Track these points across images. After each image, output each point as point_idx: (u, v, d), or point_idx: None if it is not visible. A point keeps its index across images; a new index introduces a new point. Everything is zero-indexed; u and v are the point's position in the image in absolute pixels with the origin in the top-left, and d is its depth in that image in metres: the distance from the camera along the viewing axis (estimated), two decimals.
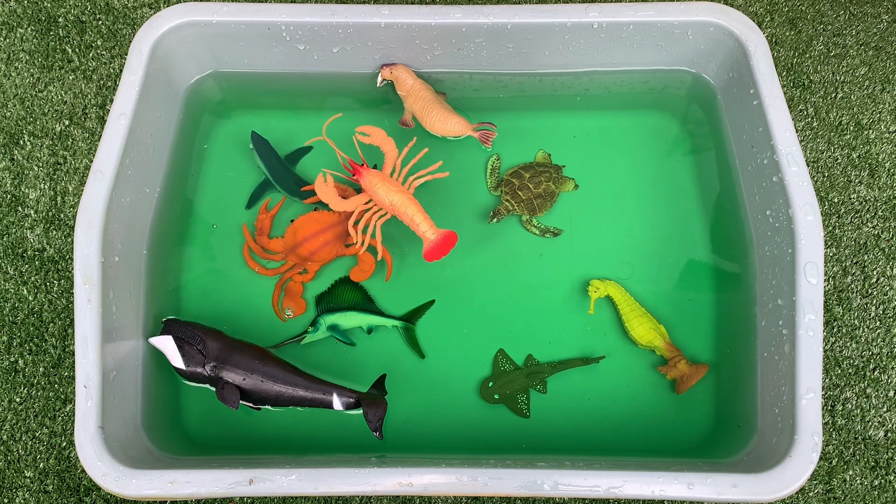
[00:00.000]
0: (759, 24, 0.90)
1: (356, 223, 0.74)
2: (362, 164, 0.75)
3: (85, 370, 0.62)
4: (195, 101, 0.83)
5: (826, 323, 0.78)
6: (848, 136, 0.86)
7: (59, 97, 0.85)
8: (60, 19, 0.89)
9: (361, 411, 0.67)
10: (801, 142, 0.70)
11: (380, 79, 0.82)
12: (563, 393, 0.72)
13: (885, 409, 0.75)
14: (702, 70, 0.83)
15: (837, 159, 0.84)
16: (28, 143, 0.83)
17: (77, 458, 0.61)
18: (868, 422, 0.75)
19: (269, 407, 0.69)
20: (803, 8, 0.92)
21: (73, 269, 0.64)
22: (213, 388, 0.68)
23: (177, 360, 0.68)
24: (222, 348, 0.68)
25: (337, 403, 0.67)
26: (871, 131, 0.86)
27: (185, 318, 0.73)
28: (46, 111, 0.84)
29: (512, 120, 0.83)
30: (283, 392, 0.67)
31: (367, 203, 0.75)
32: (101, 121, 0.84)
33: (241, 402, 0.68)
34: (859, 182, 0.84)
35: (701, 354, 0.73)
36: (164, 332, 0.69)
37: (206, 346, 0.68)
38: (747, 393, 0.69)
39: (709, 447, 0.70)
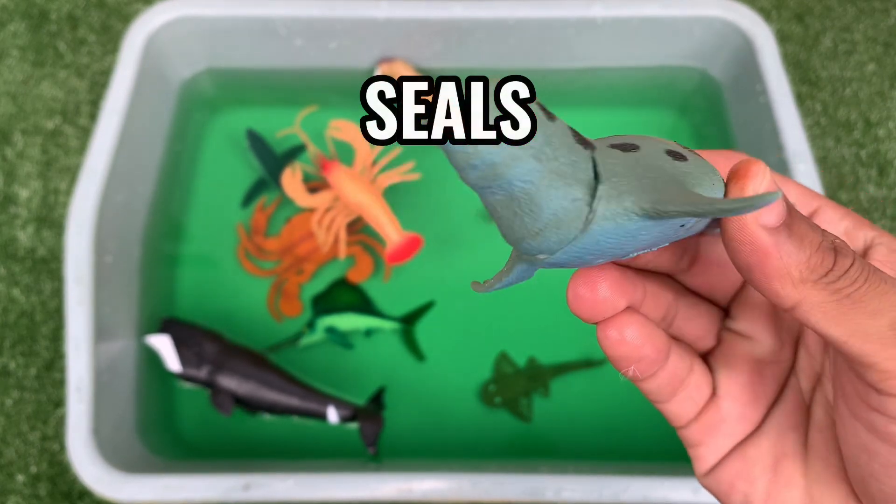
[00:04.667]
0: (766, 20, 0.88)
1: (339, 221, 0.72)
2: (332, 160, 0.72)
3: (77, 373, 0.60)
4: (189, 98, 0.81)
5: None
6: (856, 134, 0.84)
7: (52, 94, 0.83)
8: (52, 14, 0.87)
9: (357, 425, 0.66)
10: (808, 139, 0.69)
11: (378, 74, 0.80)
12: (565, 396, 0.71)
13: None
14: (708, 66, 0.82)
15: (846, 157, 0.83)
16: (20, 140, 0.81)
17: (69, 462, 0.59)
18: None
19: (265, 414, 0.68)
20: (811, 3, 0.91)
21: (64, 269, 0.63)
22: (208, 389, 0.67)
23: (173, 362, 0.66)
24: (220, 352, 0.67)
25: (333, 416, 0.66)
26: (879, 129, 0.84)
27: (179, 319, 0.71)
28: (38, 108, 0.83)
29: None
30: (278, 401, 0.66)
31: (334, 200, 0.72)
32: (94, 118, 0.82)
33: (236, 406, 0.66)
34: (868, 180, 0.82)
35: None
36: (161, 332, 0.67)
37: (204, 349, 0.66)
38: None
39: None
